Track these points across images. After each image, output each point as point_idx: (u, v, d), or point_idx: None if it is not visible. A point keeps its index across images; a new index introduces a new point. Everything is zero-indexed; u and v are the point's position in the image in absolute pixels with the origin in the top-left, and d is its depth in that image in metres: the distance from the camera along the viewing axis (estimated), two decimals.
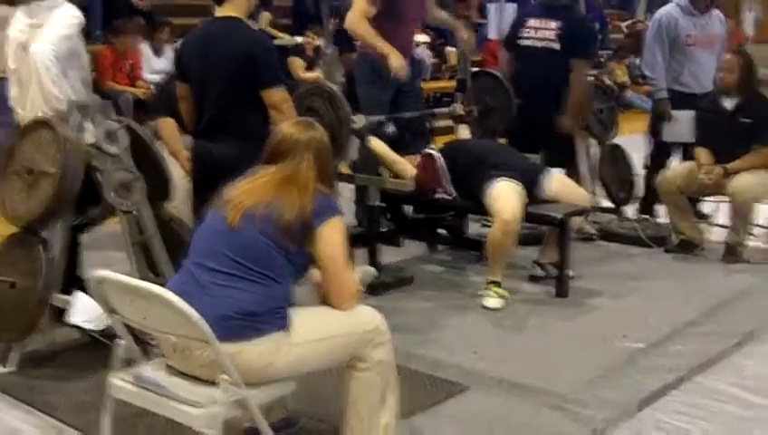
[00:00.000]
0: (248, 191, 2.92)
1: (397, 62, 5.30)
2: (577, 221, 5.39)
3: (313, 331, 2.88)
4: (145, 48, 9.90)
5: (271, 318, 2.78)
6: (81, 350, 4.20)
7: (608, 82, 8.76)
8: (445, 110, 6.05)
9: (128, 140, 4.08)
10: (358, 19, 5.36)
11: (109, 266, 4.68)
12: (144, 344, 3.12)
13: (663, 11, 6.57)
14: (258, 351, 2.74)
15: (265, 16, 11.35)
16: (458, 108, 5.87)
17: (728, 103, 5.85)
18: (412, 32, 5.82)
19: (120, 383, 2.89)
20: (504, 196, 4.85)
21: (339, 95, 4.80)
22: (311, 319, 2.93)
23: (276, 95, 4.10)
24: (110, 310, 2.86)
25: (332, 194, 3.06)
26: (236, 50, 4.06)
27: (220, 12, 4.18)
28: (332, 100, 4.78)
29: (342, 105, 4.75)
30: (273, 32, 11.36)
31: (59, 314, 4.19)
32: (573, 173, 6.27)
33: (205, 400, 2.71)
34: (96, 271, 2.81)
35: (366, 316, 3.03)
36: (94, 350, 4.02)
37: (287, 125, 3.16)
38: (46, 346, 4.27)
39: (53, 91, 4.31)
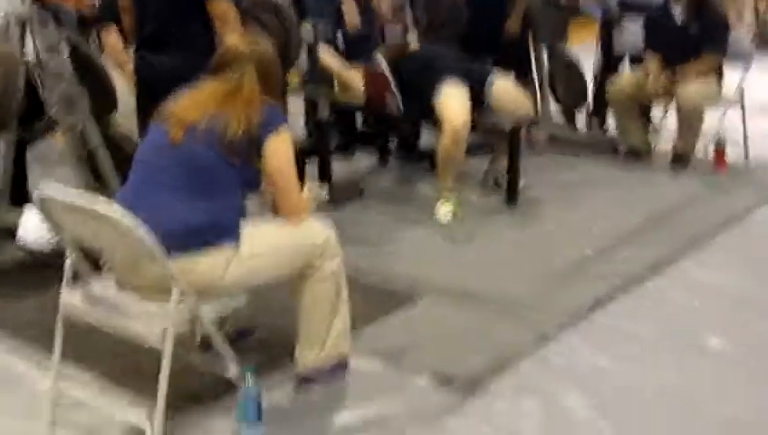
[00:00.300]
0: (190, 105, 2.88)
1: (351, 20, 5.45)
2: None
3: (263, 244, 2.87)
4: None
5: (219, 232, 2.76)
6: (32, 268, 4.14)
7: None
8: (395, 21, 5.96)
9: (68, 52, 3.96)
10: None
11: (56, 179, 4.71)
12: (94, 261, 3.08)
13: None
14: (208, 264, 2.73)
15: None
16: (406, 16, 5.80)
17: (678, 11, 5.83)
18: None
19: (70, 299, 2.86)
20: (453, 102, 4.83)
21: (283, 5, 4.72)
22: (261, 232, 2.91)
23: (221, 6, 4.01)
24: (57, 227, 2.82)
25: (279, 106, 3.01)
26: None
27: None
28: (278, 10, 4.70)
29: (288, 15, 4.68)
30: None
31: (9, 232, 4.14)
32: (526, 81, 6.27)
33: (154, 314, 2.70)
34: (41, 189, 2.75)
35: (316, 229, 3.03)
36: (45, 268, 3.97)
37: (231, 38, 3.13)
38: None
39: None
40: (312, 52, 4.99)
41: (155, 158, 2.86)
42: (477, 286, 4.00)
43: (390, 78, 5.13)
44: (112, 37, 4.78)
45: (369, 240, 4.62)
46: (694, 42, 5.72)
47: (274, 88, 3.02)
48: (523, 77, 6.24)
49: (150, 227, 2.59)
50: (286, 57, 4.71)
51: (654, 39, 5.92)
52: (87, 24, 7.28)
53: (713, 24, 5.77)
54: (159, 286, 2.71)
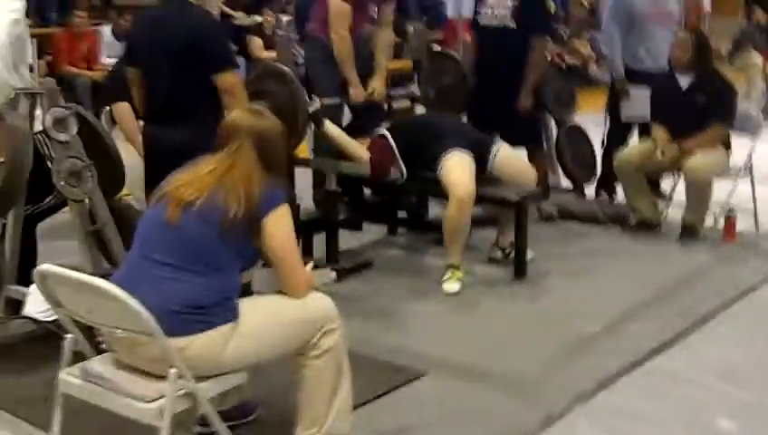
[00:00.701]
0: (188, 183, 2.86)
1: (357, 96, 5.43)
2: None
3: (262, 321, 2.85)
4: (104, 31, 9.77)
5: (218, 310, 2.74)
6: (36, 342, 4.10)
7: (568, 61, 8.78)
8: (401, 90, 6.01)
9: (76, 126, 3.99)
10: (345, 33, 5.38)
11: (66, 256, 4.72)
12: (93, 339, 3.06)
13: None
14: (205, 343, 2.71)
15: None
16: (414, 88, 5.85)
17: (684, 81, 5.85)
18: (366, 18, 5.76)
19: (68, 378, 2.84)
20: (458, 171, 4.83)
21: (290, 75, 4.75)
22: (259, 309, 2.89)
23: (228, 79, 4.03)
24: (57, 304, 2.81)
25: (279, 182, 2.99)
26: (187, 33, 3.98)
27: None
28: (285, 80, 4.73)
29: (295, 85, 4.70)
30: (230, 11, 11.26)
31: (16, 306, 4.13)
32: (537, 153, 6.27)
33: (152, 393, 2.67)
34: (41, 264, 2.75)
35: (316, 303, 2.99)
36: (49, 343, 3.92)
37: (234, 112, 3.11)
38: (1, 339, 4.19)
39: (9, 80, 4.19)
40: (318, 126, 5.02)
41: (154, 235, 2.85)
42: (484, 362, 3.96)
43: (394, 147, 5.14)
44: (123, 110, 4.84)
45: (376, 313, 4.60)
46: (700, 112, 5.72)
47: (276, 164, 2.98)
48: (533, 149, 6.25)
49: (148, 305, 2.58)
50: (294, 128, 4.74)
51: (660, 109, 5.93)
52: (100, 93, 7.40)
53: (719, 94, 5.78)
54: (158, 365, 2.69)
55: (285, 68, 4.84)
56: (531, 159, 6.06)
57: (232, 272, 2.84)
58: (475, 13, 6.25)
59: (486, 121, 5.83)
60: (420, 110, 5.89)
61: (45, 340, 4.03)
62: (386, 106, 6.03)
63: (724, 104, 5.81)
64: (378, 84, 5.61)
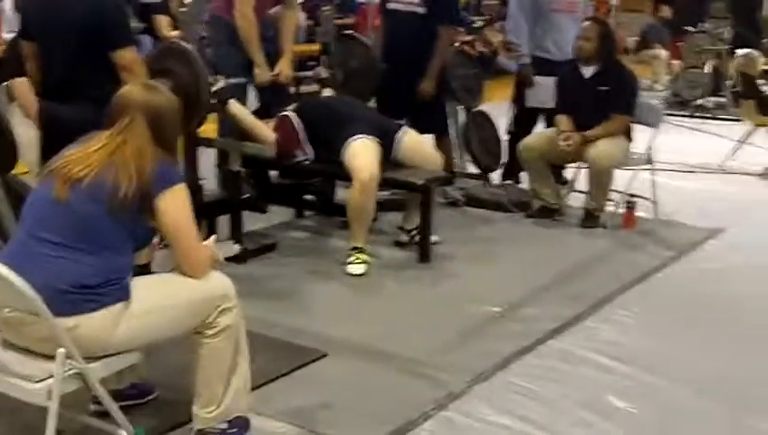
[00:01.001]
0: (78, 160, 2.77)
1: (262, 76, 5.39)
2: None
3: (155, 300, 2.80)
4: (5, 5, 9.45)
5: (108, 290, 2.68)
6: None
7: (477, 49, 8.80)
8: (309, 73, 5.99)
9: None
10: (250, 13, 5.32)
11: None
12: None
13: None
14: (95, 323, 2.65)
15: None
16: (322, 71, 5.82)
17: (587, 71, 5.93)
18: None
19: None
20: (362, 154, 4.83)
21: (192, 53, 4.67)
22: (153, 288, 2.84)
23: (127, 56, 3.95)
24: None
25: (173, 161, 2.94)
26: (84, 8, 3.90)
27: None
28: (186, 58, 4.65)
29: (196, 64, 4.62)
30: None
31: None
32: (444, 139, 6.31)
33: (40, 373, 2.61)
34: None
35: (212, 282, 2.94)
36: None
37: (127, 86, 3.02)
38: None
39: None
40: (222, 105, 4.96)
41: (42, 213, 2.77)
42: (385, 344, 3.97)
43: (301, 129, 5.11)
44: (22, 85, 4.68)
45: (278, 294, 4.58)
46: (603, 102, 5.81)
47: (169, 141, 2.91)
48: (440, 135, 6.29)
49: (35, 284, 2.52)
50: (197, 107, 4.67)
51: (564, 98, 6.01)
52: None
53: (622, 85, 5.88)
54: (46, 345, 2.62)
55: (187, 46, 4.75)
56: (437, 145, 6.09)
57: (123, 251, 2.77)
58: None
59: (393, 107, 5.85)
60: (327, 93, 5.84)
61: None
62: (293, 89, 5.99)
63: (627, 95, 5.92)
64: (284, 66, 5.57)
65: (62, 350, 2.56)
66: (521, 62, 6.54)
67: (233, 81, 5.11)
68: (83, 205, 2.71)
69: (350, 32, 6.84)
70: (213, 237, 3.13)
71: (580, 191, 6.21)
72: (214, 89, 4.76)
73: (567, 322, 4.31)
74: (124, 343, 2.74)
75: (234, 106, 5.01)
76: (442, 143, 6.23)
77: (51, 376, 2.59)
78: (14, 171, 4.55)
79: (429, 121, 6.12)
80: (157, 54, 4.81)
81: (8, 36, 8.99)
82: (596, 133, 5.76)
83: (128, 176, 2.72)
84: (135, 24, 10.49)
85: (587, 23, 5.98)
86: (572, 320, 4.35)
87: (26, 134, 4.49)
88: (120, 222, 2.74)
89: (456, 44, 6.93)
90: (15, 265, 2.56)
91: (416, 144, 5.24)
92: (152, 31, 10.48)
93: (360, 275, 4.82)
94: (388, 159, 5.06)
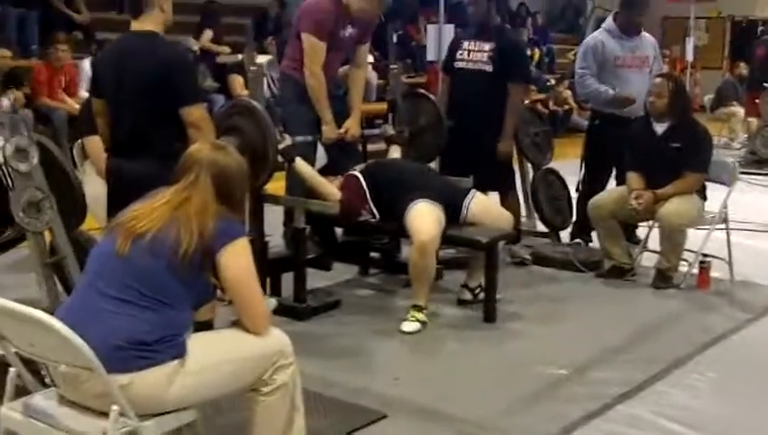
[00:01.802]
0: (141, 215, 2.80)
1: (329, 133, 5.40)
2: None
3: (210, 357, 2.77)
4: (84, 64, 9.72)
5: (163, 347, 2.67)
6: None
7: (551, 107, 8.72)
8: (375, 131, 5.99)
9: (38, 156, 3.92)
10: (319, 72, 5.34)
11: (25, 289, 4.63)
12: (38, 373, 2.99)
13: (590, 36, 6.66)
14: (150, 381, 2.63)
15: (207, 34, 11.25)
16: (389, 128, 5.82)
17: (660, 127, 5.82)
18: (341, 58, 5.76)
19: (9, 413, 2.77)
20: (422, 217, 4.80)
21: (259, 110, 4.70)
22: (209, 345, 2.83)
23: (194, 113, 3.98)
24: (0, 336, 2.73)
25: (237, 218, 2.94)
26: (153, 66, 3.94)
27: (136, 25, 4.06)
28: (253, 116, 4.68)
29: (264, 122, 4.65)
30: (215, 47, 11.26)
31: None
32: (510, 197, 6.26)
33: (94, 431, 2.60)
34: None
35: (269, 339, 2.91)
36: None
37: (195, 145, 3.06)
38: None
39: None
40: (289, 163, 4.97)
41: (101, 267, 2.79)
42: (446, 405, 3.89)
43: (366, 188, 5.10)
44: (95, 143, 4.77)
45: (340, 353, 4.54)
46: (675, 159, 5.69)
47: (235, 199, 2.93)
48: (506, 193, 6.22)
49: (92, 339, 2.51)
50: (263, 164, 4.69)
51: (635, 155, 5.90)
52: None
53: (695, 142, 5.76)
54: (101, 402, 2.61)
55: (255, 103, 4.79)
56: (503, 203, 6.03)
57: (181, 308, 2.77)
58: (451, 56, 6.25)
59: (459, 164, 5.82)
60: (394, 150, 5.83)
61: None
62: (361, 148, 6.00)
63: (700, 152, 5.79)
64: (352, 124, 5.58)
65: (115, 407, 2.55)
66: (605, 97, 6.38)
67: (299, 138, 5.13)
68: (144, 260, 2.72)
69: (418, 90, 6.80)
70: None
71: (653, 251, 6.06)
72: (281, 147, 4.79)
73: (637, 386, 4.18)
74: (179, 401, 2.71)
75: (300, 164, 5.03)
76: (508, 201, 6.17)
77: (104, 433, 2.57)
78: (83, 227, 4.62)
79: (495, 179, 6.07)
80: (225, 112, 4.87)
81: (86, 95, 9.27)
82: (668, 192, 5.64)
83: (189, 232, 2.73)
84: (210, 83, 10.77)
85: (659, 79, 5.88)
86: (642, 384, 4.21)
87: (98, 190, 4.55)
88: (180, 278, 2.74)
89: (527, 102, 6.90)
90: (73, 320, 2.56)
91: (484, 207, 5.19)
92: (227, 90, 10.71)
93: (413, 332, 4.76)
94: (457, 222, 5.02)
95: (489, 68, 5.96)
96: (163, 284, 2.72)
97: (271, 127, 4.67)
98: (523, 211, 6.77)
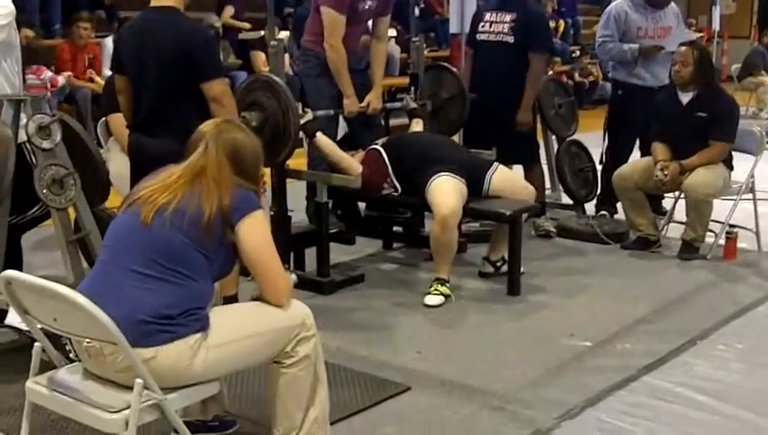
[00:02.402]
0: (162, 188, 2.80)
1: (351, 106, 5.34)
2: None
3: (233, 330, 2.78)
4: (107, 43, 9.74)
5: (186, 320, 2.67)
6: (19, 352, 4.05)
7: (576, 79, 8.63)
8: (397, 104, 5.95)
9: (60, 134, 3.93)
10: (339, 45, 5.28)
11: (52, 268, 4.67)
12: (62, 348, 3.01)
13: (613, 4, 6.56)
14: (173, 355, 2.64)
15: (228, 11, 11.24)
16: (410, 101, 5.79)
17: (685, 97, 5.76)
18: (362, 31, 5.72)
19: (34, 387, 2.79)
20: (443, 190, 4.78)
21: (279, 84, 4.69)
22: (231, 318, 2.84)
23: (216, 88, 3.97)
24: (24, 311, 2.75)
25: (253, 190, 2.92)
26: (174, 41, 3.93)
27: (156, 2, 4.05)
28: (274, 91, 4.67)
29: (284, 96, 4.64)
30: (237, 23, 11.25)
31: (1, 315, 4.08)
32: (533, 169, 6.23)
33: (118, 404, 2.61)
34: (7, 271, 2.69)
35: (291, 311, 2.92)
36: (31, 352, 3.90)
37: (209, 121, 3.05)
38: None
39: None
40: (310, 137, 4.97)
41: (122, 241, 2.79)
42: (470, 377, 3.89)
43: (387, 162, 5.09)
44: (118, 120, 4.78)
45: (364, 327, 4.54)
46: (701, 128, 5.63)
47: (248, 171, 2.92)
48: (530, 165, 6.20)
49: (115, 314, 2.52)
50: (285, 138, 4.69)
51: (660, 125, 5.84)
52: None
53: (721, 111, 5.69)
54: (126, 376, 2.63)
55: (276, 78, 4.77)
56: (527, 176, 6.00)
57: (203, 280, 2.77)
58: (473, 28, 6.22)
59: (483, 137, 5.79)
60: (416, 123, 5.80)
61: (28, 349, 3.99)
62: (383, 122, 5.97)
63: (726, 121, 5.71)
64: (373, 98, 5.55)
65: (139, 380, 2.56)
66: (632, 53, 6.33)
67: (321, 113, 5.12)
68: (166, 233, 2.72)
69: (440, 62, 6.75)
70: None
71: (679, 222, 6.02)
72: (302, 121, 4.78)
73: (662, 357, 4.16)
74: (202, 374, 2.72)
75: (321, 139, 5.02)
76: (532, 173, 6.14)
77: (128, 406, 2.59)
78: (107, 204, 4.64)
79: (519, 152, 6.05)
80: (246, 87, 4.86)
81: (109, 73, 9.29)
82: (694, 162, 5.59)
83: (210, 200, 2.74)
84: (233, 59, 10.77)
85: (683, 47, 5.81)
86: (668, 355, 4.19)
87: (122, 168, 4.57)
88: (202, 250, 2.74)
89: (551, 73, 6.85)
90: (95, 295, 2.56)
91: (506, 179, 5.16)
92: (249, 66, 10.71)
93: (437, 305, 4.76)
94: (479, 196, 5.01)
95: (511, 39, 5.93)
96: (185, 256, 2.72)
97: (292, 102, 4.67)
98: (548, 183, 6.75)
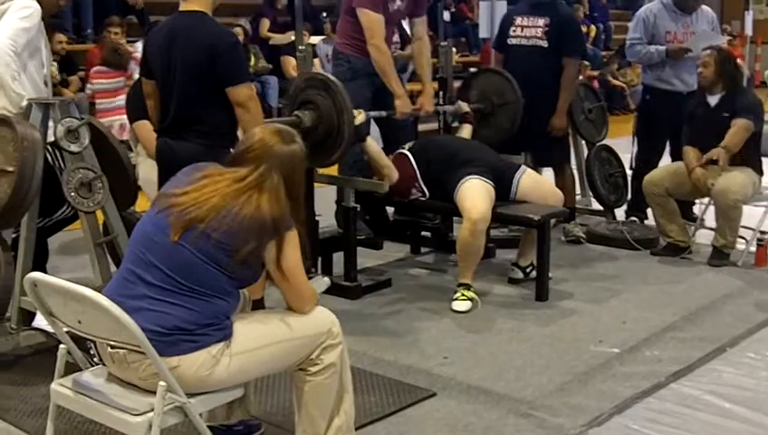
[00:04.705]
0: (195, 202, 2.71)
1: (404, 107, 5.27)
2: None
3: (256, 338, 2.77)
4: (138, 47, 9.79)
5: (210, 331, 2.67)
6: (46, 354, 4.07)
7: (611, 83, 8.50)
8: (449, 107, 5.88)
9: (89, 137, 3.95)
10: (383, 45, 5.25)
11: (79, 271, 4.70)
12: (87, 350, 3.02)
13: (644, 7, 6.55)
14: (196, 363, 2.64)
15: (264, 24, 11.30)
16: (463, 106, 5.74)
17: (713, 99, 5.74)
18: (393, 31, 5.71)
19: (59, 389, 2.80)
20: (473, 194, 4.76)
21: (336, 84, 4.63)
22: (255, 326, 2.82)
23: (242, 92, 3.96)
24: (49, 313, 2.76)
25: (298, 210, 2.88)
26: (200, 45, 3.93)
27: (184, 6, 4.05)
28: (328, 89, 4.64)
29: (340, 95, 4.59)
30: (274, 37, 11.30)
31: (29, 317, 4.11)
32: (565, 173, 6.17)
33: (142, 407, 2.62)
34: (33, 274, 2.71)
35: (317, 318, 2.91)
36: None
37: (267, 131, 2.90)
38: (11, 349, 4.16)
39: (15, 88, 4.17)
40: (362, 139, 4.92)
41: (148, 253, 2.73)
42: (497, 383, 3.87)
43: (416, 167, 5.08)
44: (144, 127, 4.79)
45: (390, 332, 4.53)
46: (728, 128, 5.58)
47: (294, 190, 2.85)
48: (560, 170, 6.16)
49: (140, 321, 2.53)
50: (338, 139, 4.65)
51: (691, 130, 5.81)
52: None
53: (744, 104, 5.65)
54: (149, 384, 2.64)
55: (332, 77, 4.71)
56: (557, 180, 5.97)
57: (229, 295, 2.75)
58: (503, 33, 6.18)
59: (514, 141, 5.76)
60: (465, 131, 5.72)
61: (53, 352, 4.02)
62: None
63: (746, 109, 5.63)
64: (425, 100, 5.48)
65: (163, 383, 2.57)
66: (660, 54, 6.28)
67: (373, 114, 5.08)
68: (195, 253, 2.68)
69: (493, 67, 6.59)
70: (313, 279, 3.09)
71: (709, 228, 5.96)
72: (356, 123, 4.71)
73: (691, 364, 4.11)
74: (224, 381, 2.72)
75: (370, 142, 4.99)
76: (563, 178, 6.10)
77: (152, 409, 2.60)
78: (135, 207, 4.67)
79: (549, 156, 6.02)
80: (301, 85, 4.81)
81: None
82: (720, 151, 5.49)
83: (246, 222, 2.69)
84: (263, 63, 10.81)
85: (705, 51, 5.78)
86: (696, 362, 4.14)
87: (150, 172, 4.58)
88: (228, 272, 2.71)
89: (582, 78, 6.80)
90: (119, 301, 2.56)
91: (534, 183, 5.14)
92: (280, 71, 10.74)
93: (466, 311, 4.74)
94: (507, 199, 4.99)
95: (544, 43, 5.90)
96: (209, 277, 2.69)
97: (348, 102, 4.60)
98: (578, 189, 6.70)
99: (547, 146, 5.98)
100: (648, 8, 6.45)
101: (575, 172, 6.56)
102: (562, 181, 6.02)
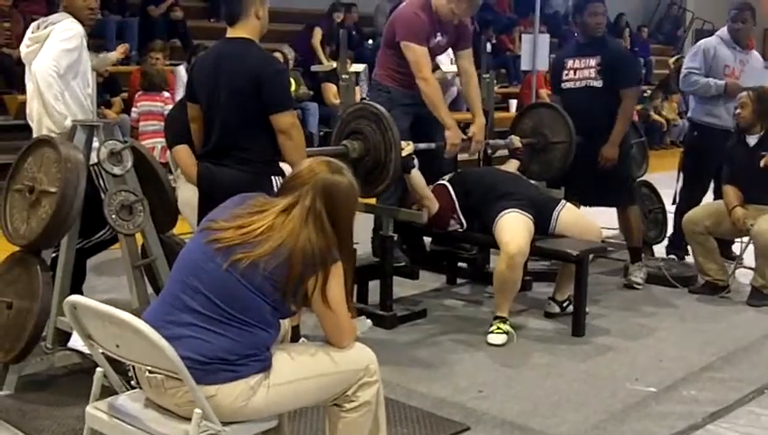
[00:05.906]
0: (246, 230, 2.71)
1: (454, 138, 5.26)
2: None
3: (295, 370, 2.76)
4: (181, 70, 9.90)
5: (249, 361, 2.66)
6: (81, 375, 4.11)
7: (653, 118, 8.47)
8: (501, 142, 5.85)
9: (132, 160, 3.98)
10: (431, 77, 5.26)
11: (115, 292, 4.72)
12: (124, 374, 3.03)
13: (704, 40, 6.58)
14: (234, 393, 2.63)
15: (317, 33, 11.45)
16: (516, 141, 5.72)
17: (752, 139, 5.74)
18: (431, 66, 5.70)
19: (94, 412, 2.80)
20: (511, 228, 4.75)
21: (388, 119, 4.65)
22: (294, 359, 2.80)
23: (285, 120, 3.99)
24: (87, 336, 2.77)
25: (347, 245, 2.87)
26: (246, 72, 3.97)
27: (232, 33, 4.09)
28: (380, 123, 4.66)
29: (390, 127, 4.61)
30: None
31: (65, 337, 4.13)
32: (630, 211, 6.04)
33: (177, 434, 2.61)
34: (72, 296, 2.72)
35: (356, 355, 2.89)
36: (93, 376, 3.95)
37: (316, 160, 2.91)
38: (45, 370, 4.20)
39: (57, 108, 4.23)
40: (408, 171, 4.90)
41: (192, 279, 2.73)
42: (531, 419, 3.83)
43: (455, 198, 5.07)
44: (182, 152, 4.81)
45: (424, 363, 4.50)
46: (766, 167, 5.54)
47: (341, 224, 2.83)
48: (628, 207, 6.02)
49: (181, 348, 2.55)
50: (385, 171, 4.68)
51: (730, 169, 5.77)
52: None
53: None
54: (185, 410, 2.63)
55: (384, 111, 4.71)
56: (623, 216, 5.96)
57: (269, 326, 2.75)
58: (557, 78, 6.13)
59: (577, 183, 5.75)
60: (512, 166, 5.71)
61: (88, 373, 4.03)
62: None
63: None
64: (476, 131, 5.46)
65: (198, 411, 2.56)
66: (717, 88, 6.26)
67: (422, 146, 5.08)
68: (241, 283, 2.67)
69: (550, 103, 6.54)
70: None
71: (749, 267, 5.89)
72: (404, 154, 4.71)
73: (728, 405, 4.06)
74: (260, 411, 2.72)
75: (416, 174, 4.98)
76: (630, 214, 6.00)
77: None
78: (174, 231, 4.69)
79: (616, 195, 5.95)
80: (350, 114, 4.83)
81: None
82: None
83: (294, 259, 2.68)
84: (305, 90, 10.86)
85: (741, 93, 5.76)
86: (734, 404, 4.08)
87: (190, 196, 4.60)
88: (272, 303, 2.71)
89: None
90: (158, 326, 2.57)
91: (574, 218, 5.11)
92: (320, 98, 10.79)
93: (501, 344, 4.71)
94: (546, 233, 4.97)
95: (599, 83, 5.84)
96: (255, 304, 2.69)
97: (398, 138, 4.62)
98: (617, 224, 6.63)
99: (613, 185, 5.86)
100: (709, 41, 6.47)
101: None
102: (628, 217, 5.95)
